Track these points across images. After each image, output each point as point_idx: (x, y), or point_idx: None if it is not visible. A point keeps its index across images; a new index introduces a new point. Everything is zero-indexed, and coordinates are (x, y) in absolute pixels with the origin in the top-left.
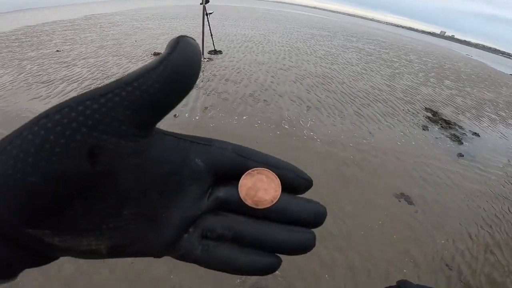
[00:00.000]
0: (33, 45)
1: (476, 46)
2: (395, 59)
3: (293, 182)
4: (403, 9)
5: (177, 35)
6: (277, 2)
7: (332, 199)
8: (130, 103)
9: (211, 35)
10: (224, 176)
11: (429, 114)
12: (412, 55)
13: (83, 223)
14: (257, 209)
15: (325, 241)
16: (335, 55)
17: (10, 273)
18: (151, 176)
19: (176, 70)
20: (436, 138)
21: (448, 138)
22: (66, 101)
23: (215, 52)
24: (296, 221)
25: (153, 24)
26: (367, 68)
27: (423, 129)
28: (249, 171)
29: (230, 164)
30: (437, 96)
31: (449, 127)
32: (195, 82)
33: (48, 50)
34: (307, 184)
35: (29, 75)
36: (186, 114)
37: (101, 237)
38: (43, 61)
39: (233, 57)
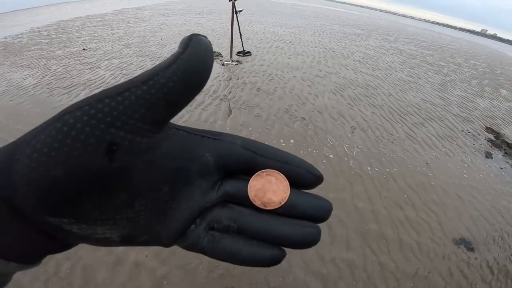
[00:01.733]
0: (61, 42)
1: None
2: (442, 63)
3: (303, 178)
4: (437, 4)
5: (191, 33)
6: None
7: (380, 246)
8: (145, 101)
9: (240, 34)
10: (233, 170)
11: (491, 136)
12: (458, 57)
13: (99, 213)
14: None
15: None
16: (375, 58)
17: (35, 259)
18: (163, 170)
19: (189, 68)
20: (501, 168)
21: None
22: (87, 98)
23: (244, 53)
24: (302, 216)
25: (179, 20)
26: (413, 75)
27: (486, 157)
28: (259, 172)
29: (239, 159)
30: (495, 110)
31: None
32: (207, 79)
33: (75, 49)
34: (317, 179)
35: (53, 78)
36: None
37: (115, 227)
38: (69, 61)
39: (263, 60)
